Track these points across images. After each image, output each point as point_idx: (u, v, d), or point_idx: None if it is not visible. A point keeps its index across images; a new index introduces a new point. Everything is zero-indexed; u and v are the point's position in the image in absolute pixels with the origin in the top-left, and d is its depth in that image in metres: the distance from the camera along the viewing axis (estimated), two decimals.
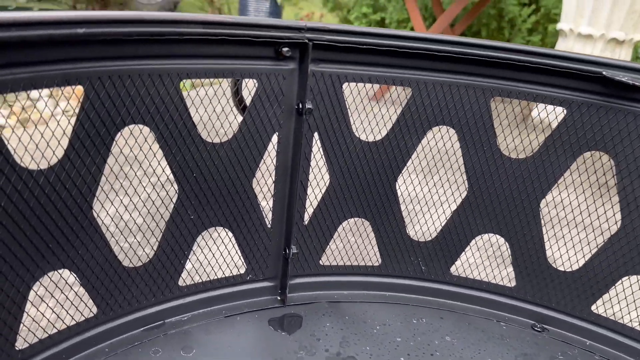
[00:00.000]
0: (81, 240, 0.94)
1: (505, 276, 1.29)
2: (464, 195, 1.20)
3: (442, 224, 1.24)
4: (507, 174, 1.17)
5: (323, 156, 1.14)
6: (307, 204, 1.17)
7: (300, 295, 1.24)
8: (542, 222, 1.20)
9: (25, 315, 0.91)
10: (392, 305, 1.25)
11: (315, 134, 1.11)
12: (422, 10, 5.73)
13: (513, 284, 1.26)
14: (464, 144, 1.15)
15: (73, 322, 0.99)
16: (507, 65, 1.08)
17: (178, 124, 0.98)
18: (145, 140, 0.98)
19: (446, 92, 1.12)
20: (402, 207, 1.22)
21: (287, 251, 1.18)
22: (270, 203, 1.15)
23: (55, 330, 0.96)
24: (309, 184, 1.16)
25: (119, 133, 0.93)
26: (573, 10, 4.08)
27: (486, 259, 1.30)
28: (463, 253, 1.26)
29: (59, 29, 0.75)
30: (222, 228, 1.12)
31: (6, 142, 0.79)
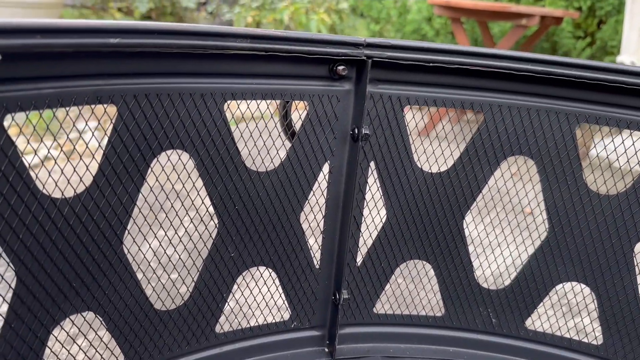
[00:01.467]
0: (109, 279, 0.84)
1: (591, 332, 1.10)
2: (543, 236, 1.04)
3: (517, 270, 1.08)
4: (595, 213, 1.01)
5: (380, 188, 1.01)
6: (361, 242, 1.04)
7: (350, 347, 1.08)
8: (637, 270, 1.02)
9: None
10: None
11: (372, 163, 0.98)
12: (472, 44, 5.62)
13: (600, 341, 1.08)
14: (545, 177, 1.00)
15: None
16: (596, 87, 0.94)
17: (220, 150, 0.88)
18: (184, 168, 0.87)
19: (524, 117, 0.97)
20: (470, 249, 1.06)
21: (337, 296, 1.04)
22: (319, 241, 1.02)
23: None
24: (363, 219, 1.02)
25: (155, 159, 0.83)
26: (635, 42, 3.87)
27: (568, 311, 1.12)
28: (541, 304, 1.09)
29: (89, 37, 0.66)
30: (264, 268, 0.99)
31: (27, 165, 0.70)
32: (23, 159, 0.69)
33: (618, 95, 0.94)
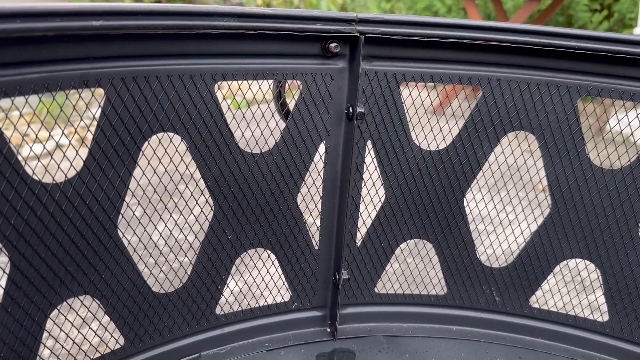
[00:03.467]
0: (104, 262, 0.84)
1: (596, 309, 1.08)
2: (546, 213, 1.02)
3: (520, 248, 1.06)
4: (599, 188, 0.98)
5: (377, 168, 0.99)
6: (360, 222, 1.03)
7: (352, 327, 1.08)
8: None
9: (42, 347, 0.81)
10: (460, 341, 1.07)
11: (369, 142, 0.97)
12: (485, 19, 5.51)
13: (605, 318, 1.06)
14: (546, 153, 0.98)
15: (97, 355, 0.88)
16: (598, 58, 0.91)
17: (213, 131, 0.87)
18: (176, 151, 0.87)
19: (524, 92, 0.95)
20: (471, 227, 1.05)
21: (337, 277, 1.04)
22: (318, 222, 1.02)
23: None
24: (361, 199, 1.01)
25: (146, 142, 0.83)
26: None
27: (572, 288, 1.10)
28: (545, 282, 1.07)
29: (70, 21, 0.65)
30: (263, 250, 0.99)
31: (15, 152, 0.70)
32: (11, 145, 0.69)
33: (621, 67, 0.91)
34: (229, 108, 0.89)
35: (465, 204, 1.03)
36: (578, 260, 1.04)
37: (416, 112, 0.97)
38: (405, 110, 0.96)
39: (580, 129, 0.96)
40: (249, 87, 0.89)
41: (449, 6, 5.79)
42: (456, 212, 1.04)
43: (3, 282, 0.74)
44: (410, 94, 0.97)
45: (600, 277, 1.04)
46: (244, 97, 0.94)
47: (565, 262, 1.05)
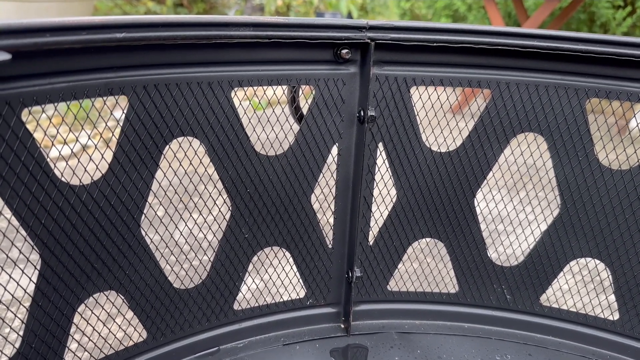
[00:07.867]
0: (128, 260, 0.89)
1: (607, 308, 1.10)
2: (555, 213, 1.04)
3: (531, 247, 1.08)
4: (608, 188, 1.00)
5: (389, 169, 1.02)
6: (372, 222, 1.06)
7: (365, 323, 1.12)
8: None
9: (70, 339, 0.86)
10: (471, 338, 1.10)
11: (380, 144, 1.00)
12: (505, 18, 5.46)
13: (616, 317, 1.07)
14: (555, 154, 0.99)
15: (122, 347, 0.93)
16: (605, 61, 0.92)
17: (230, 135, 0.91)
18: (195, 154, 0.91)
19: (532, 94, 0.97)
20: (482, 227, 1.07)
21: (350, 274, 1.07)
22: (331, 221, 1.05)
23: (102, 355, 0.91)
24: (373, 200, 1.04)
25: (167, 146, 0.88)
26: None
27: (583, 287, 1.11)
28: (555, 280, 1.09)
29: (96, 33, 0.70)
30: (279, 248, 1.03)
31: (46, 156, 0.75)
32: (42, 150, 0.74)
33: (628, 69, 0.92)
34: (248, 109, 0.93)
35: (475, 204, 1.05)
36: (588, 259, 1.06)
37: (426, 115, 1.00)
38: (416, 113, 0.99)
39: (588, 131, 0.97)
40: (264, 93, 0.93)
41: (469, 4, 5.76)
42: (467, 211, 1.06)
43: (35, 278, 0.80)
44: (427, 90, 0.99)
45: (610, 276, 1.05)
46: (264, 96, 0.97)
47: (575, 260, 1.07)
